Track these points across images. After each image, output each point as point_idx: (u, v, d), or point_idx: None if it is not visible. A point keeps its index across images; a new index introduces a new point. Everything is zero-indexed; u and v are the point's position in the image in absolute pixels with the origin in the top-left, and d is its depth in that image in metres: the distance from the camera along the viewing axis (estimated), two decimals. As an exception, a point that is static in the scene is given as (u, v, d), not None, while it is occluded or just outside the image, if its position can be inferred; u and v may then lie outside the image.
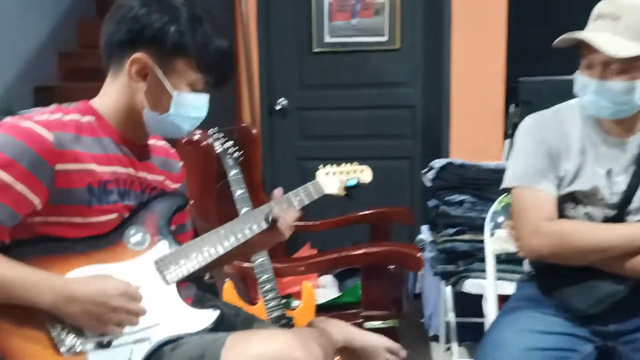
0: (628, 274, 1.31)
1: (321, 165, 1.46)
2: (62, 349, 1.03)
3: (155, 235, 1.20)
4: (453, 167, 2.15)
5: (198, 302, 1.31)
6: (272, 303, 1.79)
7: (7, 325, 1.02)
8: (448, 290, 2.24)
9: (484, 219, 1.75)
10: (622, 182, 1.35)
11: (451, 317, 2.27)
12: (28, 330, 1.03)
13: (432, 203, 2.23)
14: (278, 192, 1.34)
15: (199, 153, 1.96)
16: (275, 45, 3.04)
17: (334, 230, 2.44)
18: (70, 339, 1.04)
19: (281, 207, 1.29)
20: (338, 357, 1.59)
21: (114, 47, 1.14)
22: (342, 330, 1.40)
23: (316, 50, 3.03)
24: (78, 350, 1.04)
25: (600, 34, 1.27)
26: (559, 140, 1.39)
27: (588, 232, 1.33)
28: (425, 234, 2.41)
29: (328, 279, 2.28)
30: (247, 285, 1.93)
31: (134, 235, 1.17)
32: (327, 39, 3.01)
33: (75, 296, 1.02)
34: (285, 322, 1.77)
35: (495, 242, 1.69)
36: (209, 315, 1.17)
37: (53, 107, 1.14)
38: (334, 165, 1.46)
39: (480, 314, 1.99)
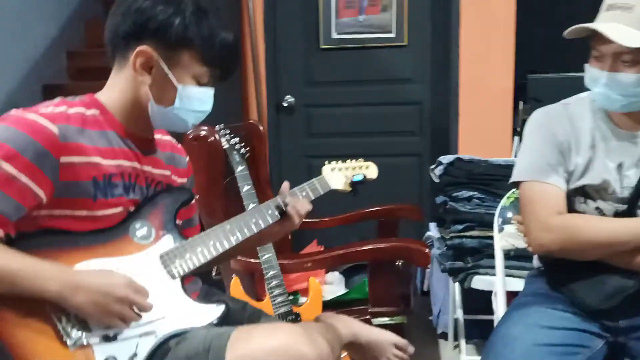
0: (638, 269, 1.29)
1: (327, 161, 1.45)
2: (69, 342, 1.03)
3: (161, 229, 1.19)
4: (461, 162, 2.14)
5: (204, 297, 1.31)
6: (279, 299, 1.79)
7: (13, 317, 1.01)
8: (456, 287, 2.23)
9: (492, 215, 1.73)
10: (633, 176, 1.33)
11: (459, 314, 2.26)
12: (34, 323, 1.02)
13: (440, 199, 2.21)
14: (285, 186, 1.33)
15: (206, 149, 1.96)
16: (282, 42, 3.04)
17: (341, 227, 2.43)
18: (76, 332, 1.04)
19: (292, 197, 1.28)
20: (345, 354, 1.58)
21: (119, 40, 1.14)
22: (349, 326, 1.39)
23: (323, 46, 3.02)
24: (84, 343, 1.04)
25: (611, 25, 1.25)
26: (569, 133, 1.37)
27: (598, 227, 1.31)
28: (433, 230, 2.39)
29: (335, 276, 2.27)
30: (254, 282, 1.93)
31: (140, 229, 1.16)
32: (334, 35, 3.00)
33: (80, 286, 1.02)
34: (292, 319, 1.77)
35: (504, 238, 1.67)
36: (215, 310, 1.17)
37: (58, 100, 1.14)
38: (340, 161, 1.46)
39: (488, 311, 1.98)
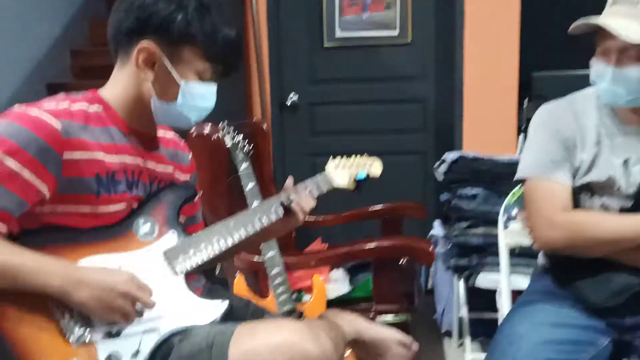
0: (645, 265, 1.28)
1: (330, 158, 1.44)
2: (71, 339, 1.03)
3: (164, 226, 1.19)
4: (466, 160, 2.13)
5: (207, 294, 1.31)
6: (283, 297, 1.78)
7: (16, 314, 1.01)
8: (461, 285, 2.22)
9: (497, 212, 1.73)
10: (639, 172, 1.32)
11: (464, 312, 2.25)
12: (37, 319, 1.02)
13: (444, 197, 2.20)
14: (289, 182, 1.33)
15: (209, 147, 1.96)
16: (285, 40, 3.03)
17: (345, 225, 2.42)
18: (79, 328, 1.04)
19: (296, 193, 1.28)
20: (349, 351, 1.57)
21: (122, 36, 1.14)
22: (353, 323, 1.38)
23: (327, 45, 3.01)
24: (87, 340, 1.04)
25: (617, 19, 1.24)
26: (574, 129, 1.36)
27: (604, 223, 1.30)
28: (437, 228, 2.38)
29: (339, 274, 2.26)
30: (258, 279, 1.93)
31: (143, 226, 1.16)
32: (338, 33, 2.99)
33: (83, 281, 1.02)
34: (296, 316, 1.76)
35: (509, 235, 1.66)
36: (218, 307, 1.16)
37: (61, 96, 1.14)
38: (344, 158, 1.45)
39: (493, 309, 1.97)
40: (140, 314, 1.07)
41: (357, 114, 3.07)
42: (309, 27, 3.02)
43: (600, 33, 1.28)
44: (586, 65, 1.36)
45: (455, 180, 2.15)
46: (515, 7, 2.82)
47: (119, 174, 1.13)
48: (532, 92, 2.81)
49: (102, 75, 1.22)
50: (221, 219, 1.24)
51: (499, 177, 2.09)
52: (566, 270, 1.37)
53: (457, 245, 2.11)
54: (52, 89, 3.15)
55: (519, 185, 1.68)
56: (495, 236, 1.72)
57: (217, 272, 2.17)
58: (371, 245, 1.84)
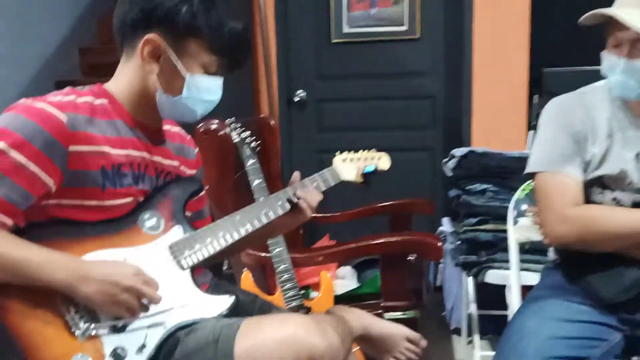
0: (658, 260, 1.26)
1: (338, 152, 1.43)
2: (77, 333, 1.03)
3: (170, 220, 1.18)
4: (475, 155, 2.10)
5: (214, 289, 1.30)
6: (290, 293, 1.77)
7: (22, 308, 1.01)
8: (470, 281, 2.20)
9: (506, 208, 1.70)
10: (651, 166, 1.30)
11: (473, 309, 2.23)
12: (43, 314, 1.02)
13: (453, 193, 2.18)
14: (296, 176, 1.32)
15: (216, 143, 1.95)
16: (293, 36, 3.02)
17: (353, 221, 2.41)
18: (84, 323, 1.03)
19: (303, 188, 1.27)
20: (357, 348, 1.56)
21: (127, 29, 1.13)
22: (360, 319, 1.37)
23: (335, 40, 3.00)
24: (92, 333, 1.03)
25: (629, 10, 1.22)
26: (585, 123, 1.34)
27: (616, 218, 1.28)
28: (446, 225, 2.37)
29: (347, 270, 2.25)
30: (265, 276, 1.92)
31: (149, 220, 1.16)
32: (346, 29, 2.98)
33: (88, 275, 1.01)
34: (303, 313, 1.75)
35: (519, 230, 1.64)
36: (224, 301, 1.16)
37: (67, 89, 1.13)
38: (352, 152, 1.44)
39: (503, 306, 1.95)
40: (146, 308, 1.06)
41: (365, 110, 3.06)
42: (317, 23, 3.01)
43: (612, 24, 1.26)
44: (597, 62, 1.34)
45: (464, 176, 2.13)
46: (525, 2, 2.79)
47: (125, 167, 1.13)
48: (542, 89, 2.78)
49: (110, 72, 1.22)
50: (228, 214, 1.24)
51: (509, 172, 2.07)
52: (577, 265, 1.35)
53: (466, 241, 2.09)
54: (61, 87, 3.14)
55: (528, 181, 1.66)
56: (505, 232, 1.70)
57: (224, 267, 2.17)
58: (379, 240, 1.82)
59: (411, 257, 2.02)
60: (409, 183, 2.90)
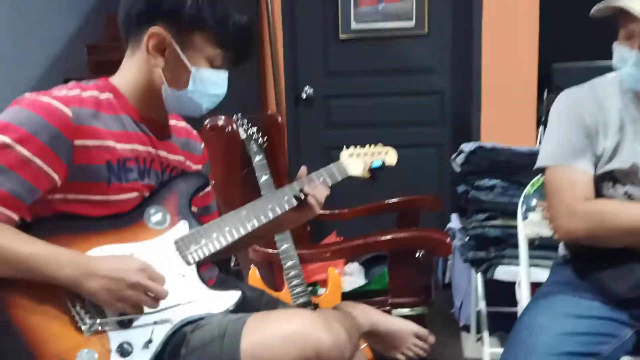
0: (670, 256, 1.24)
1: (345, 147, 1.42)
2: (83, 328, 1.02)
3: (176, 215, 1.18)
4: (483, 150, 2.08)
5: (220, 284, 1.30)
6: (298, 289, 1.77)
7: (28, 303, 1.01)
8: (479, 278, 2.18)
9: (516, 204, 1.69)
10: (664, 159, 1.28)
11: (482, 305, 2.21)
12: (49, 309, 1.02)
13: (461, 189, 2.16)
14: (302, 171, 1.31)
15: (224, 139, 1.95)
16: (300, 32, 3.01)
17: (360, 218, 2.40)
18: (90, 318, 1.03)
19: (310, 183, 1.26)
20: (365, 345, 1.55)
21: (132, 22, 1.13)
22: (368, 315, 1.36)
23: (342, 37, 2.98)
24: (99, 329, 1.03)
25: (641, 1, 1.20)
26: (596, 116, 1.32)
27: (627, 213, 1.26)
28: (454, 222, 2.35)
29: (354, 267, 2.24)
30: (273, 272, 1.91)
31: (154, 215, 1.15)
32: (354, 25, 2.97)
33: (94, 271, 1.01)
34: (311, 309, 1.74)
35: (528, 226, 1.63)
36: (231, 297, 1.15)
37: (72, 84, 1.13)
38: (358, 146, 1.42)
39: (512, 303, 1.93)
40: (152, 304, 1.05)
41: (372, 106, 3.04)
42: (324, 19, 2.99)
43: (623, 16, 1.24)
44: (607, 56, 1.32)
45: (472, 172, 2.11)
46: (534, -5, 2.77)
47: (130, 162, 1.12)
48: (552, 84, 2.76)
49: (118, 70, 1.21)
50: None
51: (518, 167, 2.04)
52: (587, 260, 1.33)
53: (474, 237, 2.07)
54: (69, 84, 3.17)
55: (538, 175, 1.64)
56: (514, 228, 1.68)
57: (232, 264, 2.16)
58: (387, 237, 1.81)
59: (419, 254, 2.01)
60: (417, 180, 2.88)
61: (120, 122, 1.13)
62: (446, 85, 2.99)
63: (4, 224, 1.00)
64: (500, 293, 2.13)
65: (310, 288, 1.86)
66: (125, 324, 1.05)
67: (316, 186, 1.28)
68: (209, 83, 1.15)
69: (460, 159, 2.12)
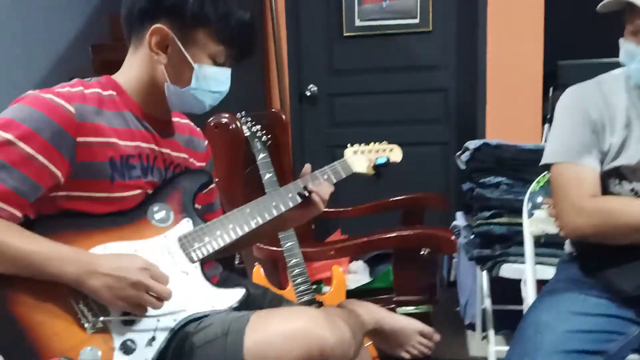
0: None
1: (349, 144, 1.41)
2: (86, 325, 1.02)
3: (179, 212, 1.17)
4: (489, 148, 2.07)
5: (224, 282, 1.29)
6: (302, 287, 1.76)
7: (31, 301, 1.01)
8: (484, 276, 2.17)
9: (521, 201, 1.68)
10: (671, 156, 1.27)
11: (487, 303, 2.20)
12: (53, 306, 1.02)
13: (466, 186, 2.15)
14: (307, 168, 1.30)
15: (227, 137, 1.94)
16: (304, 30, 3.00)
17: (365, 217, 2.39)
18: (94, 315, 1.03)
19: (314, 181, 1.25)
20: (370, 343, 1.55)
21: (134, 19, 1.13)
22: (372, 313, 1.35)
23: (346, 34, 2.97)
24: (102, 326, 1.03)
25: (647, -5, 1.18)
26: (603, 112, 1.31)
27: (634, 209, 1.25)
28: (460, 220, 2.34)
29: (359, 265, 2.24)
30: (277, 270, 1.91)
31: (158, 212, 1.15)
32: (358, 22, 2.95)
33: (96, 269, 1.00)
34: (315, 307, 1.73)
35: (534, 223, 1.62)
36: (235, 294, 1.14)
37: (74, 81, 1.13)
38: (363, 143, 1.42)
39: (518, 301, 1.92)
40: (155, 304, 1.03)
41: (377, 104, 3.03)
42: (328, 16, 2.99)
43: (630, 11, 1.23)
44: (613, 53, 1.31)
45: (478, 169, 2.10)
46: (539, -9, 2.75)
47: (133, 158, 1.12)
48: (557, 81, 2.73)
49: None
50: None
51: (523, 164, 2.03)
52: (594, 258, 1.32)
53: (479, 235, 2.06)
54: (73, 84, 3.17)
55: (544, 172, 1.63)
56: (519, 225, 1.67)
57: (236, 262, 2.16)
58: (391, 234, 1.80)
59: (424, 252, 2.00)
60: (422, 178, 2.87)
61: (123, 119, 1.12)
62: (451, 83, 2.98)
63: (8, 222, 1.00)
64: (506, 291, 2.11)
65: (314, 286, 1.85)
66: (129, 322, 1.05)
67: (320, 183, 1.27)
68: (212, 80, 1.15)
69: (465, 156, 2.11)
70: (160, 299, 1.04)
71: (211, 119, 1.91)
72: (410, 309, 1.78)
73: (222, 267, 1.36)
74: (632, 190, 1.30)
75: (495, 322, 2.20)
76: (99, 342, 1.02)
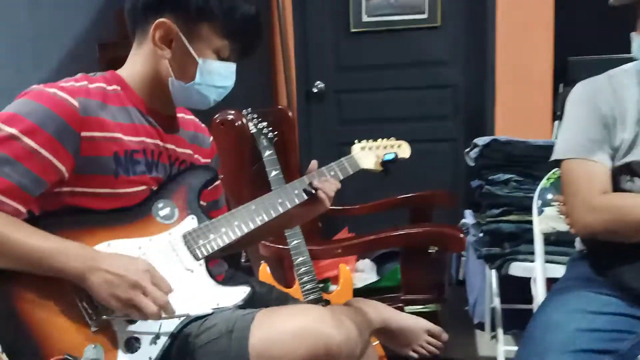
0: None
1: (356, 140, 1.40)
2: (90, 323, 1.01)
3: (184, 209, 1.16)
4: (498, 144, 2.04)
5: (229, 279, 1.28)
6: (308, 286, 1.75)
7: (35, 297, 1.00)
8: (493, 274, 2.15)
9: (531, 198, 1.65)
10: (683, 152, 1.24)
11: (496, 302, 2.18)
12: (56, 303, 1.01)
13: (475, 183, 2.12)
14: (313, 165, 1.29)
15: (233, 133, 1.93)
16: (311, 26, 2.99)
17: (372, 214, 2.38)
18: (98, 313, 1.02)
19: (320, 177, 1.24)
20: (377, 342, 1.53)
21: (138, 13, 1.12)
22: (379, 311, 1.34)
23: (354, 30, 2.96)
24: (106, 324, 1.02)
25: (661, -13, 1.16)
26: (614, 107, 1.28)
27: None
28: (468, 217, 2.31)
29: (366, 264, 2.22)
30: (283, 268, 1.89)
31: (162, 209, 1.14)
32: (365, 18, 2.94)
33: (99, 266, 0.99)
34: (322, 306, 1.72)
35: (544, 221, 1.59)
36: (240, 292, 1.13)
37: (79, 75, 1.12)
38: (371, 140, 1.40)
39: (527, 300, 1.90)
40: (149, 309, 0.98)
41: (384, 101, 3.01)
42: (335, 12, 2.97)
43: (643, 3, 1.20)
44: (624, 50, 1.29)
45: (487, 166, 2.08)
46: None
47: (137, 154, 1.11)
48: (567, 78, 2.71)
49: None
50: (244, 205, 1.21)
51: (533, 161, 2.01)
52: (605, 255, 1.30)
53: (488, 233, 2.04)
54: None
55: (554, 169, 1.61)
56: (529, 223, 1.65)
57: (242, 260, 2.15)
58: (399, 232, 1.78)
59: (432, 250, 1.98)
60: (430, 175, 2.85)
61: (127, 114, 1.11)
62: (460, 79, 2.96)
63: (12, 217, 0.99)
64: (515, 290, 2.09)
65: (321, 285, 1.84)
66: (133, 320, 1.03)
67: (327, 180, 1.26)
68: (216, 75, 1.14)
69: (474, 152, 2.09)
70: (156, 304, 1.00)
71: (217, 115, 1.90)
72: (418, 307, 1.76)
73: (228, 265, 1.35)
74: (645, 186, 1.28)
75: (505, 322, 2.18)
76: (103, 340, 1.01)
